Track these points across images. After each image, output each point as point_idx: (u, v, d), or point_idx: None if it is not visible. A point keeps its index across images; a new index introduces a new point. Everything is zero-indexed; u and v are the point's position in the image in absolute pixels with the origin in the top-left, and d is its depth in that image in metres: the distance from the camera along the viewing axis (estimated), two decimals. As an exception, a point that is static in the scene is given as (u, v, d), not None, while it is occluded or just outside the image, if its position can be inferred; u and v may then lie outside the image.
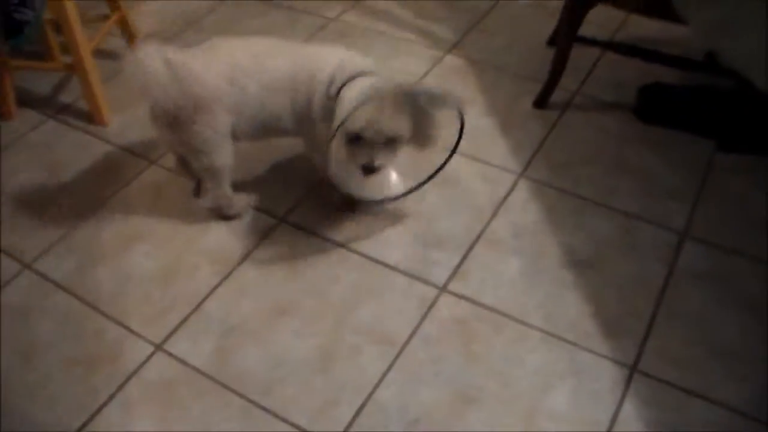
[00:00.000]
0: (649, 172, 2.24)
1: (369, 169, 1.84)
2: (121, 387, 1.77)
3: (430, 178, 2.00)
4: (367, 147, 1.82)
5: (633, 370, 1.76)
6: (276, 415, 1.70)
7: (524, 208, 2.14)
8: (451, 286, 1.94)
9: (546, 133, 2.38)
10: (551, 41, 2.71)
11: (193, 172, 2.10)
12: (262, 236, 2.09)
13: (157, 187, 2.25)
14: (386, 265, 1.99)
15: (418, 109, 1.82)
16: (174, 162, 2.26)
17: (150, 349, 1.83)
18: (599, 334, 1.83)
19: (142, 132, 2.43)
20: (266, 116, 1.94)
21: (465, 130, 1.86)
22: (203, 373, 1.78)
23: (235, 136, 1.95)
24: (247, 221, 2.13)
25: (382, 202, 2.08)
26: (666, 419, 1.67)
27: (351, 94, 1.79)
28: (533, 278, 1.96)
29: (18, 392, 1.77)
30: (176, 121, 1.84)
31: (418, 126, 1.85)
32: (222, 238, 2.08)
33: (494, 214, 2.12)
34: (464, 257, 2.01)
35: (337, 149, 1.81)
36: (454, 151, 1.94)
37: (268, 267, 2.00)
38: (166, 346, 1.84)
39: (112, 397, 1.75)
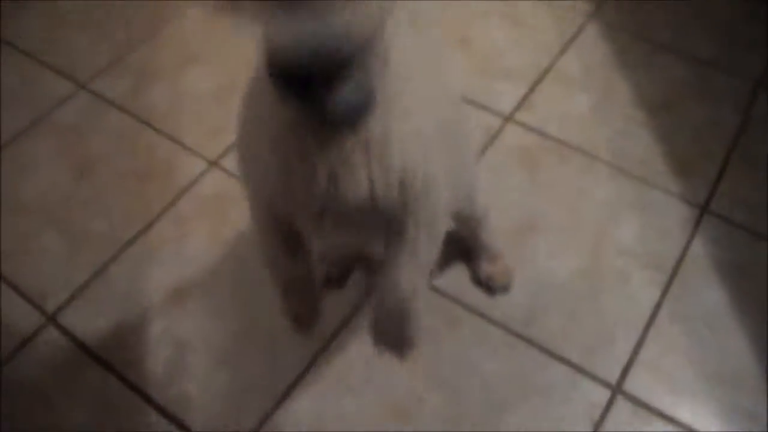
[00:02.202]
0: (725, 23, 2.13)
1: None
2: (174, 201, 1.74)
3: None
4: None
5: (703, 210, 1.70)
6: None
7: (594, 48, 2.04)
8: (518, 116, 1.86)
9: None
10: None
11: None
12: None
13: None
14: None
15: None
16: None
17: (204, 165, 1.79)
18: (670, 172, 1.76)
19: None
20: None
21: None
22: (259, 190, 1.73)
23: None
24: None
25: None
26: (735, 259, 1.62)
27: None
28: (602, 115, 1.88)
29: (72, 205, 1.74)
30: None
31: None
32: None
33: (563, 51, 2.02)
34: (531, 89, 1.93)
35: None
36: None
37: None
38: (221, 163, 1.79)
39: (165, 210, 1.72)
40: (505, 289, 1.57)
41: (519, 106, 1.89)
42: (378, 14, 0.75)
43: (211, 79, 1.98)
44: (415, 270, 0.97)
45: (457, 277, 1.60)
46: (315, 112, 0.81)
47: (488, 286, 1.57)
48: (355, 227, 0.95)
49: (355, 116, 0.82)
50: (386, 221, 0.92)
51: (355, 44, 0.75)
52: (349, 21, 0.71)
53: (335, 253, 1.29)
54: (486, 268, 1.57)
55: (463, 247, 1.57)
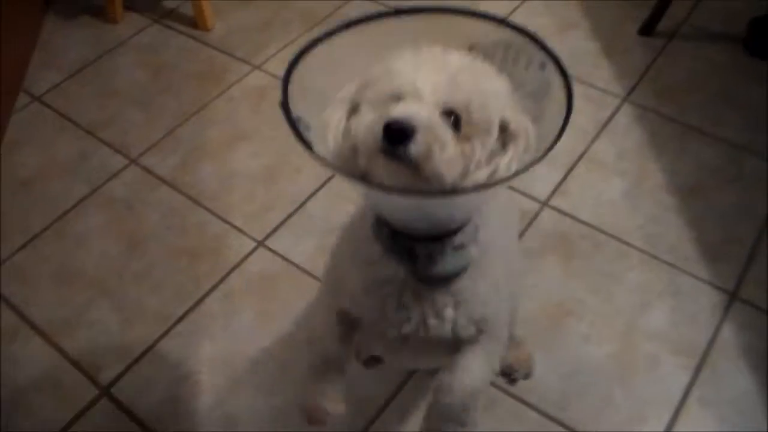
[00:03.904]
0: (756, 107, 2.18)
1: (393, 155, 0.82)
2: (223, 279, 1.81)
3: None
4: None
5: (733, 297, 1.75)
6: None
7: (627, 132, 2.11)
8: (553, 201, 1.93)
9: (651, 61, 2.34)
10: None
11: None
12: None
13: (260, 90, 2.27)
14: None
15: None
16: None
17: (252, 244, 1.87)
18: (700, 258, 1.82)
19: (246, 37, 2.45)
20: None
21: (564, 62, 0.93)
22: (304, 270, 1.81)
23: None
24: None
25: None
26: (764, 346, 1.67)
27: None
28: (634, 200, 1.94)
29: (125, 278, 1.82)
30: None
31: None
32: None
33: (597, 136, 2.10)
34: (566, 175, 2.00)
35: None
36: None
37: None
38: (268, 243, 1.87)
39: (214, 287, 1.80)
40: (526, 376, 1.62)
41: (555, 191, 1.96)
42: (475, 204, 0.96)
43: (259, 157, 2.07)
44: (482, 370, 1.09)
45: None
46: (416, 272, 0.98)
47: (509, 375, 1.61)
48: (430, 352, 1.12)
49: (450, 279, 1.00)
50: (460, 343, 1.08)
51: (457, 224, 0.95)
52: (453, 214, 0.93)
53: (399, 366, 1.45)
54: (509, 356, 1.58)
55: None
